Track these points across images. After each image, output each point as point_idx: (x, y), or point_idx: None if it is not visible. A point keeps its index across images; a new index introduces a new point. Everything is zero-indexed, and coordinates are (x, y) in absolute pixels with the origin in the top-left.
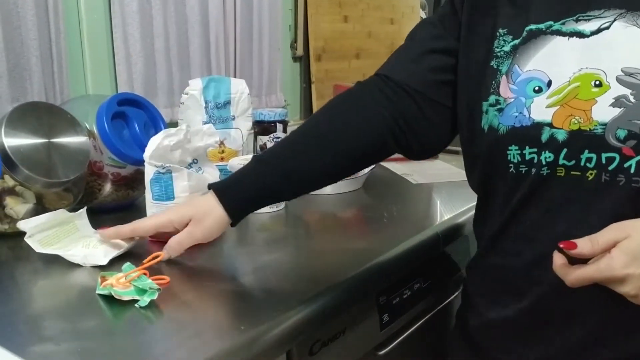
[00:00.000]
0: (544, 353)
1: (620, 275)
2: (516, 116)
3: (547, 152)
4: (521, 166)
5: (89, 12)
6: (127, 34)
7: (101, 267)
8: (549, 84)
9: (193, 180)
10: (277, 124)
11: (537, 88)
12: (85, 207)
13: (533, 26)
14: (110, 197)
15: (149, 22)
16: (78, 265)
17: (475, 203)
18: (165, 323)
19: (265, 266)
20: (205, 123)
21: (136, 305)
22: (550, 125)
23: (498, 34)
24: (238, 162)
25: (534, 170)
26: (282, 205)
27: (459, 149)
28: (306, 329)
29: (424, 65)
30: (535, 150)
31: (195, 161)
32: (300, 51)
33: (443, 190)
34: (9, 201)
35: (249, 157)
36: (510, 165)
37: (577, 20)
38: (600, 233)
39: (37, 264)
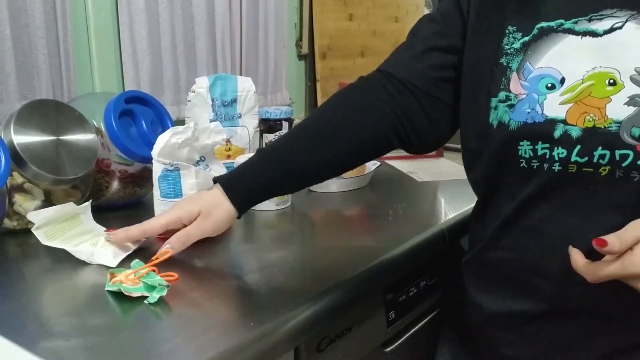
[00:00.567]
0: (547, 345)
1: None
2: (528, 112)
3: (559, 147)
4: (533, 161)
5: (96, 10)
6: (134, 32)
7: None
8: (562, 81)
9: (200, 177)
10: (283, 121)
11: (549, 85)
12: (90, 201)
13: (544, 24)
14: (118, 195)
15: (155, 20)
16: (86, 262)
17: None
18: (173, 319)
19: (273, 263)
20: (212, 121)
21: (145, 301)
22: (564, 122)
23: (507, 31)
24: (245, 160)
25: (546, 165)
26: (288, 202)
27: None
28: (314, 326)
29: (426, 63)
30: (547, 145)
31: (203, 159)
32: (305, 49)
33: (448, 188)
34: (18, 198)
35: None
36: (522, 160)
37: (590, 20)
38: (626, 230)
39: (46, 261)
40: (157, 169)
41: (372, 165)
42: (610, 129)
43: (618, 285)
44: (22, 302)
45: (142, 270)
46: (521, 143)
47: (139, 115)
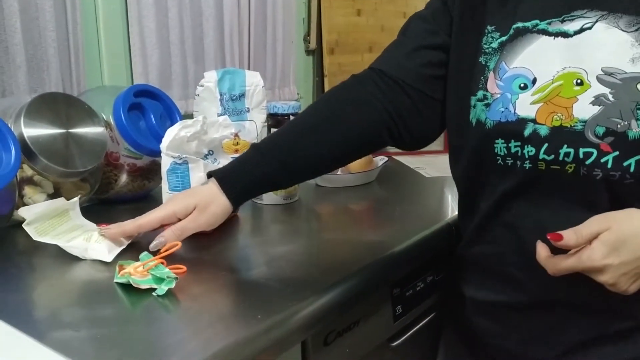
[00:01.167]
0: (528, 335)
1: (599, 265)
2: (502, 111)
3: (529, 146)
4: (507, 159)
5: (105, 3)
6: (142, 26)
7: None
8: (534, 81)
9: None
10: (291, 116)
11: (522, 85)
12: (78, 197)
13: (520, 24)
14: (126, 188)
15: (164, 14)
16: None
17: None
18: (182, 312)
19: (280, 257)
20: (220, 115)
21: (154, 293)
22: (534, 121)
23: (486, 30)
24: (240, 155)
25: (518, 163)
26: (296, 197)
27: None
28: (321, 320)
29: (417, 61)
30: (519, 144)
31: (211, 152)
32: (313, 44)
33: None
34: (28, 191)
35: None
36: (498, 157)
37: (562, 21)
38: (583, 225)
39: (55, 253)
40: (165, 162)
41: (379, 161)
42: (575, 127)
43: (590, 279)
44: (32, 293)
45: (151, 262)
46: (496, 141)
47: (148, 109)
